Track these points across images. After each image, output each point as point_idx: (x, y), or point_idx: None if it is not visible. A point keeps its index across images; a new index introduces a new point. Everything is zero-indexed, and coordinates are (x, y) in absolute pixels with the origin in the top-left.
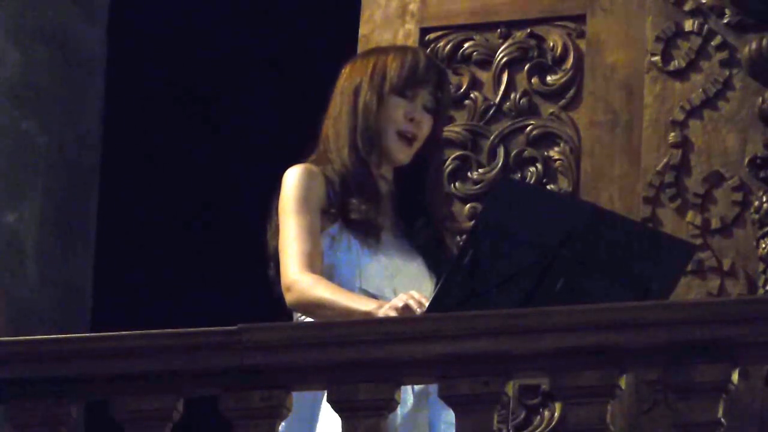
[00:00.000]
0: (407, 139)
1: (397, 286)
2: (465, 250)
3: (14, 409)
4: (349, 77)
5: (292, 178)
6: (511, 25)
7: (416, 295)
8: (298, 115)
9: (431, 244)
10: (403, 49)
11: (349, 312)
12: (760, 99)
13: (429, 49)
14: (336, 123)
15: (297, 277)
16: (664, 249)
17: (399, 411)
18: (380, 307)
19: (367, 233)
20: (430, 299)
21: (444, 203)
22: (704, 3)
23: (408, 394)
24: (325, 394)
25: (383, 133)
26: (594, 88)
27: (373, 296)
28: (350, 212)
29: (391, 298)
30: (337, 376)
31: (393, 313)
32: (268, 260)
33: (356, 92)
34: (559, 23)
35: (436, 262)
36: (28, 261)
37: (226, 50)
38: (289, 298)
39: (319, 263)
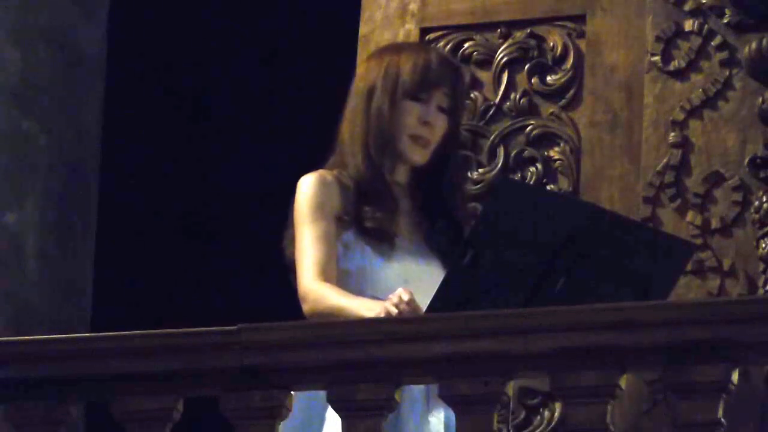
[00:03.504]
0: (422, 141)
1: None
2: (465, 250)
3: (14, 409)
4: (363, 78)
5: (306, 187)
6: (511, 25)
7: (404, 295)
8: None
9: (451, 245)
10: (416, 49)
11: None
12: (760, 99)
13: None
14: (351, 126)
15: (310, 286)
16: (664, 249)
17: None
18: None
19: (381, 240)
20: (431, 299)
21: (465, 202)
22: (704, 3)
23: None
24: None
25: (397, 138)
26: (594, 88)
27: None
28: (364, 220)
29: None
30: (337, 376)
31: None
32: (287, 269)
33: (369, 95)
34: (559, 23)
35: None
36: (28, 261)
37: (226, 51)
38: (305, 308)
39: (333, 270)
